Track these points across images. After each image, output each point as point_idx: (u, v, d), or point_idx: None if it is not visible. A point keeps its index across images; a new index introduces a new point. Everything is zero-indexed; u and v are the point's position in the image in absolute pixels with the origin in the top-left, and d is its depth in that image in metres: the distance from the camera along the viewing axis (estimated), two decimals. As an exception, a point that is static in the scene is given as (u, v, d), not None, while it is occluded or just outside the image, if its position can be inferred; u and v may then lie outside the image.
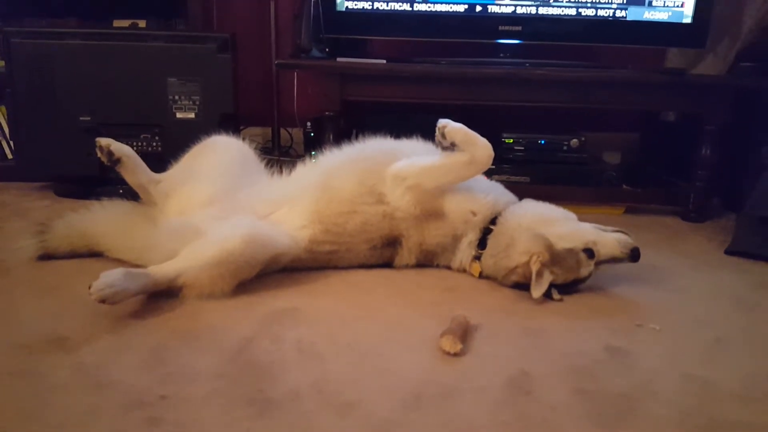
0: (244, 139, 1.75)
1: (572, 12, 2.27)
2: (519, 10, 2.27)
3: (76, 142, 2.11)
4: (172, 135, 2.14)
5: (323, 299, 1.39)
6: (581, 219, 1.54)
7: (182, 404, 0.95)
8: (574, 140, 2.36)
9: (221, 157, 1.63)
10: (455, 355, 1.13)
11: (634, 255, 1.43)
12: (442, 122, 1.50)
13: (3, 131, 2.48)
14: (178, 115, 2.16)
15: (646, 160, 2.69)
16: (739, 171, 2.21)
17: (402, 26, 2.31)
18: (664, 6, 2.25)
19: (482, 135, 1.49)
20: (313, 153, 2.26)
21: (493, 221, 1.53)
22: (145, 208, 1.60)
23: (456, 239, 1.56)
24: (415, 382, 1.04)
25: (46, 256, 1.52)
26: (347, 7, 2.28)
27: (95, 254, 1.54)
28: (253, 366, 1.08)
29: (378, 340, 1.20)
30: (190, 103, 2.15)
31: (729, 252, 1.85)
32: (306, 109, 2.77)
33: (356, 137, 1.69)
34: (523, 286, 1.45)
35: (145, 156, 1.63)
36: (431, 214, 1.53)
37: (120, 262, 1.46)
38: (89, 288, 1.17)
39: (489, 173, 1.63)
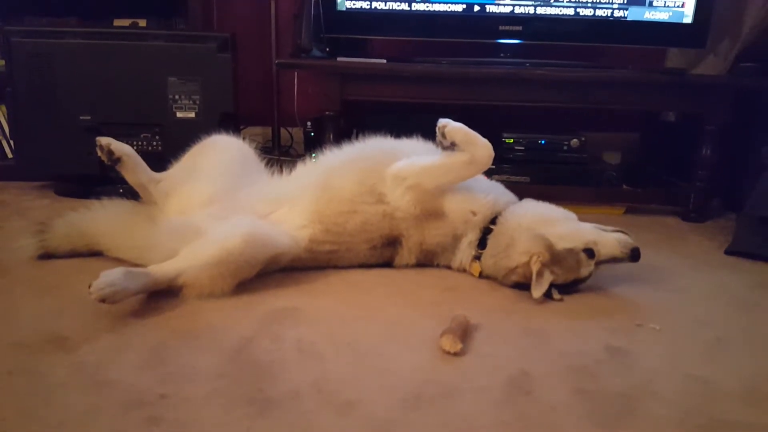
0: (244, 138, 1.75)
1: (572, 12, 2.27)
2: (519, 10, 2.27)
3: (76, 141, 2.11)
4: (172, 134, 2.14)
5: (323, 299, 1.39)
6: (581, 219, 1.54)
7: (182, 403, 0.95)
8: (575, 140, 2.36)
9: (221, 157, 1.63)
10: (455, 354, 1.13)
11: (634, 255, 1.43)
12: (442, 122, 1.50)
13: (3, 130, 2.48)
14: (179, 114, 2.16)
15: (647, 160, 2.69)
16: (739, 171, 2.21)
17: (402, 26, 2.32)
18: (664, 6, 2.25)
19: (482, 135, 1.49)
20: (313, 153, 2.26)
21: (494, 221, 1.53)
22: (145, 207, 1.60)
23: (456, 239, 1.56)
24: (415, 381, 1.04)
25: (46, 256, 1.52)
26: (347, 6, 2.28)
27: (95, 253, 1.54)
28: (253, 365, 1.08)
29: (378, 339, 1.20)
30: (191, 102, 2.15)
31: (729, 252, 1.85)
32: (306, 109, 2.77)
33: (356, 137, 1.69)
34: (523, 286, 1.45)
35: (145, 155, 1.63)
36: (431, 213, 1.53)
37: (120, 261, 1.46)
38: (89, 287, 1.17)
39: (489, 173, 1.63)
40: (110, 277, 1.19)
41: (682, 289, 1.55)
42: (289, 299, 1.36)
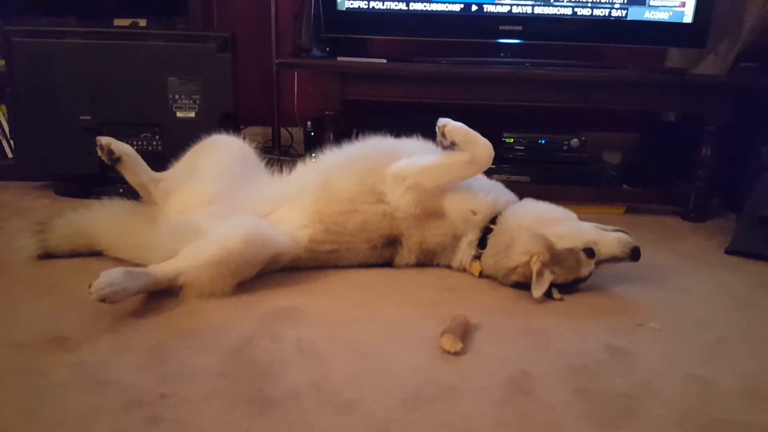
0: (244, 138, 1.75)
1: (573, 12, 2.27)
2: (520, 10, 2.27)
3: (76, 141, 2.11)
4: (172, 134, 2.14)
5: (323, 298, 1.39)
6: (582, 219, 1.54)
7: (182, 403, 0.95)
8: (575, 140, 2.36)
9: (221, 157, 1.63)
10: (455, 354, 1.13)
11: (634, 254, 1.43)
12: (442, 121, 1.49)
13: (3, 130, 2.48)
14: (179, 114, 2.16)
15: (647, 160, 2.69)
16: (739, 171, 2.21)
17: (402, 26, 2.31)
18: (664, 6, 2.25)
19: (482, 134, 1.49)
20: (313, 152, 2.26)
21: (494, 221, 1.53)
22: (145, 207, 1.60)
23: (456, 238, 1.56)
24: (415, 381, 1.04)
25: (46, 255, 1.52)
26: (348, 6, 2.28)
27: (95, 253, 1.53)
28: (253, 365, 1.08)
29: (378, 339, 1.20)
30: (191, 102, 2.15)
31: (729, 252, 1.85)
32: (306, 109, 2.77)
33: (356, 137, 1.69)
34: (523, 286, 1.45)
35: (145, 155, 1.63)
36: (431, 213, 1.53)
37: (120, 261, 1.46)
38: (89, 287, 1.17)
39: (489, 173, 1.63)
40: (110, 276, 1.19)
41: (682, 288, 1.55)
42: (289, 299, 1.36)
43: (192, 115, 2.16)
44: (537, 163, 2.34)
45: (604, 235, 1.45)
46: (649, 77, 2.16)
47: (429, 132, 1.57)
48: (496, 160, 1.55)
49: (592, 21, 2.27)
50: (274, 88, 2.78)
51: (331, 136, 2.15)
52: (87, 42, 2.11)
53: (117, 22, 2.57)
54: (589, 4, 2.26)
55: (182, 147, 1.68)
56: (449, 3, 2.27)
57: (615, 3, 2.26)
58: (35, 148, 2.17)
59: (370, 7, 2.27)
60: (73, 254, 1.53)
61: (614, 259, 1.45)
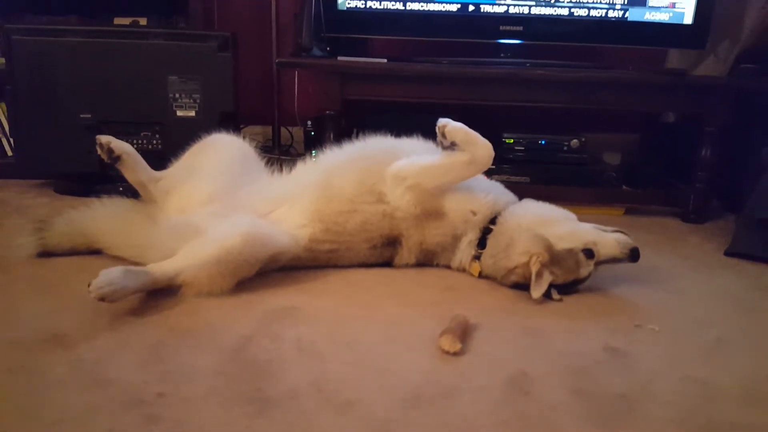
0: (244, 137, 1.75)
1: (573, 12, 2.27)
2: (520, 10, 2.27)
3: (76, 139, 2.11)
4: (172, 133, 2.14)
5: (323, 298, 1.39)
6: (581, 219, 1.54)
7: (181, 402, 0.95)
8: (575, 141, 2.36)
9: (221, 156, 1.63)
10: (455, 354, 1.13)
11: (633, 255, 1.43)
12: (442, 122, 1.49)
13: (3, 128, 2.48)
14: (179, 113, 2.16)
15: (646, 161, 2.69)
16: (739, 173, 2.22)
17: (402, 26, 2.32)
18: (665, 7, 2.25)
19: (482, 135, 1.49)
20: (313, 152, 2.26)
21: (493, 221, 1.53)
22: (144, 205, 1.60)
23: (456, 239, 1.56)
24: (415, 381, 1.04)
25: (46, 254, 1.52)
26: (348, 6, 2.28)
27: (95, 252, 1.53)
28: (252, 364, 1.07)
29: (377, 339, 1.20)
30: (191, 101, 2.15)
31: (728, 253, 1.85)
32: (306, 108, 2.77)
33: (356, 136, 1.69)
34: (522, 286, 1.45)
35: (145, 154, 1.63)
36: (431, 213, 1.53)
37: (119, 259, 1.46)
38: (88, 286, 1.17)
39: (489, 173, 1.63)
40: (109, 275, 1.19)
41: (681, 289, 1.55)
42: (289, 298, 1.36)
43: (192, 114, 2.16)
44: (537, 164, 2.35)
45: (603, 236, 1.46)
46: (649, 78, 2.17)
47: (429, 132, 1.57)
48: (496, 161, 1.55)
49: (593, 22, 2.27)
50: (275, 87, 2.78)
51: (332, 136, 2.15)
52: (87, 40, 2.11)
53: (117, 20, 2.57)
54: (590, 5, 2.26)
55: (182, 146, 1.68)
56: (447, 3, 2.27)
57: (615, 4, 2.26)
58: (35, 146, 2.17)
59: (371, 6, 2.27)
60: (73, 252, 1.53)
61: (613, 260, 1.45)
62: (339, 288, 1.46)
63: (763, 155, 1.89)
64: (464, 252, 1.56)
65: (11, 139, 2.43)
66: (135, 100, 2.14)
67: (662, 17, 2.26)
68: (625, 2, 2.25)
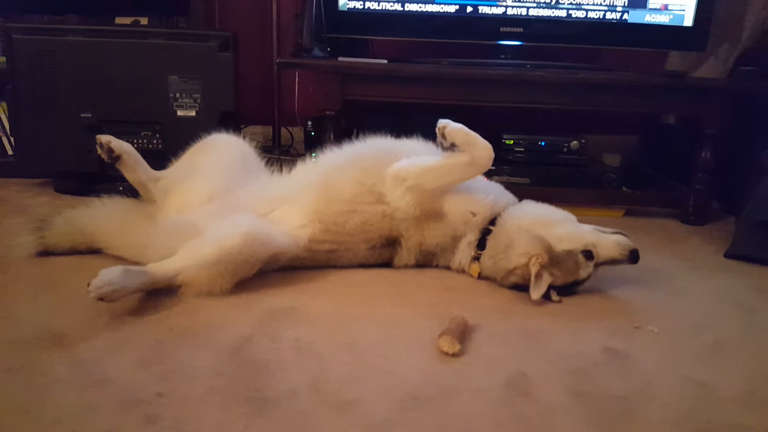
0: (244, 137, 1.75)
1: (573, 14, 2.27)
2: (520, 12, 2.27)
3: (76, 138, 2.11)
4: (172, 132, 2.14)
5: (322, 298, 1.39)
6: (581, 221, 1.54)
7: (179, 402, 0.95)
8: (574, 142, 2.36)
9: (221, 155, 1.63)
10: (453, 355, 1.13)
11: (633, 257, 1.43)
12: (442, 123, 1.50)
13: (3, 127, 2.48)
14: (179, 112, 2.16)
15: (646, 163, 2.69)
16: (739, 174, 2.22)
17: (403, 27, 2.32)
18: (665, 9, 2.25)
19: (482, 136, 1.49)
20: (313, 152, 2.26)
21: (493, 222, 1.53)
22: (144, 205, 1.60)
23: (455, 240, 1.56)
24: (414, 382, 1.04)
25: (45, 253, 1.52)
26: (349, 6, 2.28)
27: (94, 251, 1.53)
28: (251, 364, 1.07)
29: (376, 339, 1.20)
30: (191, 101, 2.15)
31: (728, 255, 1.85)
32: (307, 108, 2.77)
33: (357, 137, 1.69)
34: (522, 287, 1.45)
35: (145, 153, 1.63)
36: (431, 214, 1.53)
37: (119, 259, 1.46)
38: (88, 285, 1.17)
39: (489, 174, 1.63)
40: (109, 275, 1.19)
41: (680, 291, 1.55)
42: (288, 299, 1.36)
43: (192, 113, 2.16)
44: (537, 165, 2.35)
45: (602, 237, 1.46)
46: (649, 80, 2.17)
47: (429, 133, 1.57)
48: (495, 162, 1.55)
49: (593, 23, 2.28)
50: (275, 87, 2.78)
51: (332, 136, 2.15)
52: (88, 40, 2.11)
53: (118, 20, 2.57)
54: (590, 7, 2.26)
55: (182, 145, 1.68)
56: (446, 4, 2.27)
57: (616, 6, 2.26)
58: (35, 145, 2.17)
59: (372, 7, 2.27)
60: (72, 252, 1.53)
61: (613, 262, 1.45)
62: (338, 288, 1.46)
63: (762, 157, 1.89)
64: (464, 253, 1.56)
65: (12, 138, 2.43)
66: (135, 99, 2.14)
67: (662, 19, 2.27)
68: (626, 4, 2.25)
